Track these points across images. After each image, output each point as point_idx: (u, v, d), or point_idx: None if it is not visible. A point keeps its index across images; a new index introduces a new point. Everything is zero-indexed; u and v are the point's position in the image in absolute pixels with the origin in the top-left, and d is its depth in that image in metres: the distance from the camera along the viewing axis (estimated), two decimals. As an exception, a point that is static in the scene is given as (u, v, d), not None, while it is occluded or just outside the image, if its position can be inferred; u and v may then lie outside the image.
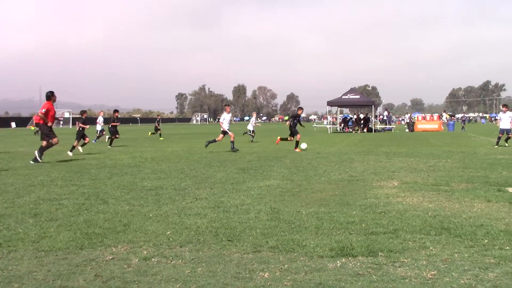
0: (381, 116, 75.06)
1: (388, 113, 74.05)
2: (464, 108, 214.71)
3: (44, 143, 16.89)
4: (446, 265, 5.24)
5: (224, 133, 22.60)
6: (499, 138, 25.10)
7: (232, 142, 22.64)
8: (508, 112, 25.26)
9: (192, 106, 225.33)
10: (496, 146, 24.35)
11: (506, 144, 24.70)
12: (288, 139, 23.36)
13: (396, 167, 15.02)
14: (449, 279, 4.83)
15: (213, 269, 5.19)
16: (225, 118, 23.14)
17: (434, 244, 6.06)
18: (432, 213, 7.96)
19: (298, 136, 22.54)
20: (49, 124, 16.78)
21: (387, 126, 62.14)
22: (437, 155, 19.04)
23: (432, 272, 5.01)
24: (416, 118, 63.93)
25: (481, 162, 15.90)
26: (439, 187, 10.75)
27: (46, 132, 16.85)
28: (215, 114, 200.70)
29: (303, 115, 27.85)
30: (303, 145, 22.94)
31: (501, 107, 26.72)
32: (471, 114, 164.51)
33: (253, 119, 36.00)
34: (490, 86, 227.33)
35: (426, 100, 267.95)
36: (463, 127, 59.00)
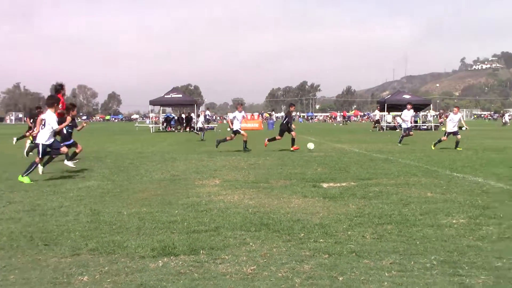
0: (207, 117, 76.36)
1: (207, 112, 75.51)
2: (283, 107, 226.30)
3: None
4: (265, 260, 5.49)
5: (236, 132, 21.66)
6: (439, 141, 22.60)
7: (245, 142, 21.52)
8: (459, 113, 23.91)
9: (6, 105, 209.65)
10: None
11: (460, 148, 21.71)
12: (276, 138, 22.62)
13: (218, 165, 15.37)
14: (268, 273, 5.06)
15: (27, 276, 4.93)
16: (236, 117, 22.03)
17: (254, 240, 6.31)
18: (253, 209, 8.28)
19: (294, 133, 21.96)
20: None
21: (209, 126, 63.32)
22: (257, 154, 19.82)
23: (252, 267, 5.22)
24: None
25: (298, 160, 16.87)
26: (259, 184, 11.21)
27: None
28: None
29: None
30: (310, 145, 21.42)
31: (453, 108, 25.43)
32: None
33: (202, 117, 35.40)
34: (307, 87, 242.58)
35: (247, 99, 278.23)
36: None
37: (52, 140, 12.36)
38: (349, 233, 6.71)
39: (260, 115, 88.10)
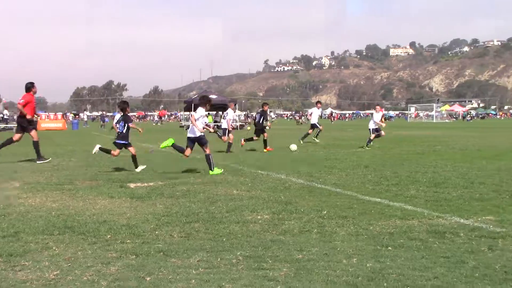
0: (1, 115, 71.17)
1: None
2: (89, 107, 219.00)
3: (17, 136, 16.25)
4: (69, 264, 5.31)
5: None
6: (370, 140, 22.73)
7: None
8: (380, 112, 24.27)
9: None
10: (368, 148, 21.98)
11: (367, 148, 21.98)
12: (254, 138, 21.33)
13: (18, 167, 14.47)
14: (72, 277, 4.91)
15: None
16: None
17: (57, 244, 6.07)
18: (56, 212, 7.94)
19: (266, 134, 21.00)
20: (28, 117, 16.08)
21: (8, 125, 59.14)
22: (61, 154, 19.00)
23: (55, 272, 5.02)
24: (39, 117, 62.49)
25: (105, 160, 16.45)
26: (63, 186, 10.77)
27: (25, 126, 16.13)
28: None
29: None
30: (293, 147, 20.78)
31: (376, 106, 25.68)
32: (95, 113, 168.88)
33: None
34: (113, 86, 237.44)
35: (50, 98, 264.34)
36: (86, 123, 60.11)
37: None
38: (156, 232, 6.74)
39: (64, 115, 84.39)
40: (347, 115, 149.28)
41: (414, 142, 26.49)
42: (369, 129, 23.37)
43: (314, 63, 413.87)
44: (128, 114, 14.50)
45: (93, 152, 14.27)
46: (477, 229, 6.80)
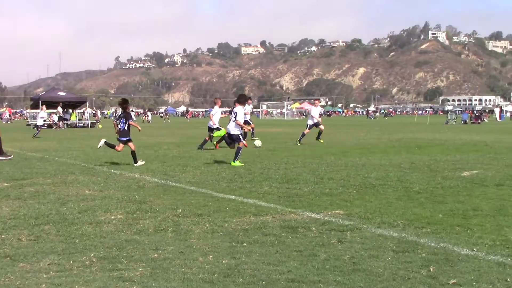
0: None
1: None
2: None
3: None
4: None
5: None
6: (303, 134, 23.12)
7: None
8: (319, 106, 24.46)
9: None
10: (299, 144, 22.40)
11: (321, 141, 22.97)
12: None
13: None
14: None
15: None
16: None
17: None
18: None
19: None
20: None
21: None
22: None
23: None
24: None
25: None
26: None
27: None
28: None
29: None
30: (257, 142, 20.63)
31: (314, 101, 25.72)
32: None
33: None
34: None
35: None
36: None
37: None
38: (2, 236, 6.36)
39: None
40: (200, 113, 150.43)
41: (265, 139, 27.26)
42: (307, 124, 23.46)
43: (166, 60, 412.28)
44: (129, 112, 15.37)
45: (98, 147, 15.15)
46: (327, 223, 7.17)
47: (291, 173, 12.66)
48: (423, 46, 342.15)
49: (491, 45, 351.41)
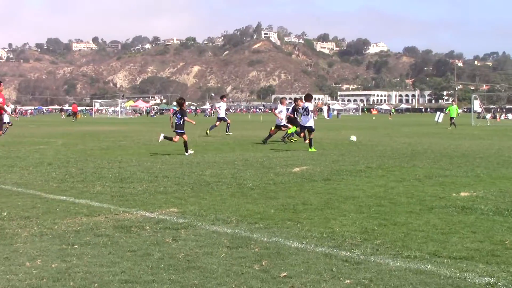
0: None
1: None
2: None
3: None
4: None
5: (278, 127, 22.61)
6: (270, 135, 22.39)
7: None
8: (284, 106, 24.70)
9: None
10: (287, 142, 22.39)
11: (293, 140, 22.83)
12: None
13: None
14: None
15: None
16: (282, 111, 23.43)
17: None
18: None
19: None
20: None
21: None
22: None
23: None
24: None
25: None
26: None
27: None
28: None
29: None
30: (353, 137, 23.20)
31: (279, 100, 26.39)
32: None
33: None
34: None
35: None
36: None
37: None
38: None
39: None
40: (29, 111, 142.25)
41: (99, 137, 26.52)
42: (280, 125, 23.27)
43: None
44: (185, 109, 17.67)
45: (159, 141, 17.66)
46: (162, 221, 7.14)
47: (125, 172, 12.43)
48: (256, 46, 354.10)
49: (319, 46, 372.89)
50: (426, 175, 11.83)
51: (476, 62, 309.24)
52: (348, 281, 4.81)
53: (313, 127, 18.81)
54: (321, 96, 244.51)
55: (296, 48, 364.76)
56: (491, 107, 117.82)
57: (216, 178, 11.37)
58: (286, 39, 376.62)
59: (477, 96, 62.48)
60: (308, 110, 18.86)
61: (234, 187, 10.28)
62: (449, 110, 41.11)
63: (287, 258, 5.50)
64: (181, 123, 17.06)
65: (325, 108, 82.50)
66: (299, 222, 7.17)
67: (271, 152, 17.83)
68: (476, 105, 57.37)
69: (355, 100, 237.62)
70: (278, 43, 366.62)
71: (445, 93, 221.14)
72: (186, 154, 16.57)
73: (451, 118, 39.30)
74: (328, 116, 78.22)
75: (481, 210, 7.86)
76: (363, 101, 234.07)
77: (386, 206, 8.30)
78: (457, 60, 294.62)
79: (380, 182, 10.92)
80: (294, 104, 24.12)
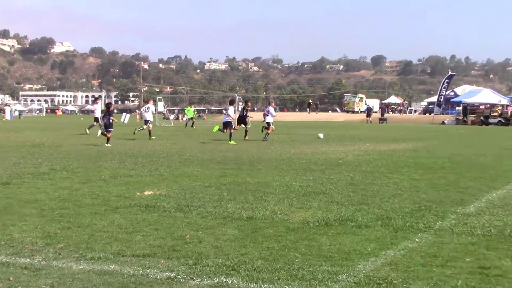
0: None
1: None
2: None
3: None
4: None
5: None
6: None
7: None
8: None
9: None
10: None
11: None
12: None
13: None
14: None
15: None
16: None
17: None
18: None
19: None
20: None
21: None
22: None
23: None
24: None
25: None
26: None
27: None
28: None
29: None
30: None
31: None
32: None
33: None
34: None
35: None
36: None
37: None
38: None
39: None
40: None
41: None
42: (268, 122, 26.64)
43: None
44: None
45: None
46: None
47: None
48: None
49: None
50: (111, 176, 11.94)
51: (160, 65, 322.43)
52: (28, 289, 4.60)
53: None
54: (1, 96, 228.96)
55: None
56: (174, 108, 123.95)
57: None
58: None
59: (161, 97, 65.05)
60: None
61: None
62: (187, 112, 46.77)
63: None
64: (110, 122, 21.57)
65: (8, 109, 77.47)
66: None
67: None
68: (161, 106, 59.88)
69: (39, 100, 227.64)
70: None
71: (131, 94, 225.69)
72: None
73: (191, 119, 44.35)
74: (10, 117, 73.53)
75: (164, 208, 8.24)
76: (47, 101, 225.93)
77: (71, 208, 8.15)
78: (143, 63, 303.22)
79: (64, 184, 10.68)
80: None
